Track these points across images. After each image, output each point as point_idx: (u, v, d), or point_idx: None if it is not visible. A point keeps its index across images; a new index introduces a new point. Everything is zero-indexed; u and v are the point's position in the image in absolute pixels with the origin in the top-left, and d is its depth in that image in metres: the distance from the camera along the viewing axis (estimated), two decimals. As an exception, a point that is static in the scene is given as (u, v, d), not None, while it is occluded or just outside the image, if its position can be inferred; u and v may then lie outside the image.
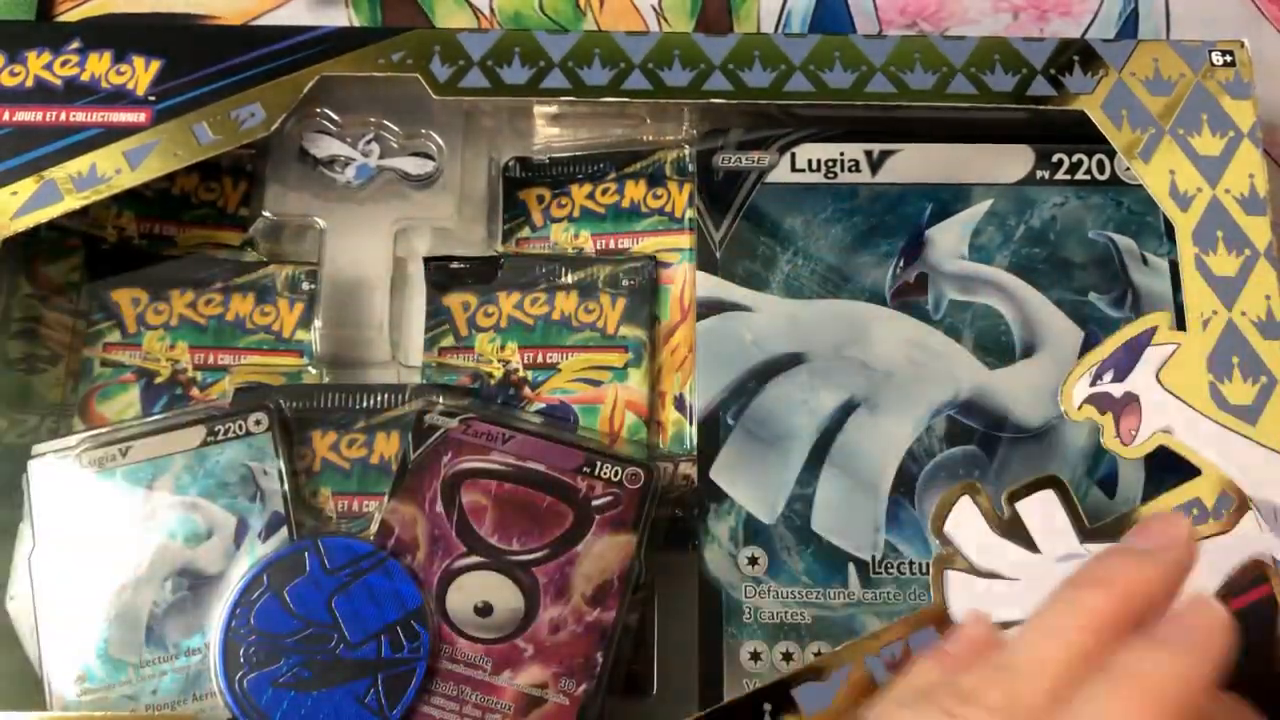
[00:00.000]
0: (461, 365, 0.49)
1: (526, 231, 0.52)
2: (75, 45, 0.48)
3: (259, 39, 0.48)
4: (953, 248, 0.49)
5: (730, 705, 0.40)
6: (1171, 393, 0.44)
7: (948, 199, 0.49)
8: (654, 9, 0.57)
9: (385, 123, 0.50)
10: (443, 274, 0.50)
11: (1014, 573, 0.42)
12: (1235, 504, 0.42)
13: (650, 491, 0.45)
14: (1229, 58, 0.48)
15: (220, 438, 0.45)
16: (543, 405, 0.48)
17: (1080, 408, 0.45)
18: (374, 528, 0.44)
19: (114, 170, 0.46)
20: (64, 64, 0.48)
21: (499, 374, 0.48)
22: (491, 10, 0.57)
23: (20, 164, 0.46)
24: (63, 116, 0.47)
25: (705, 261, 0.49)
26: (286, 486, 0.45)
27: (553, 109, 0.51)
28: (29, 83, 0.47)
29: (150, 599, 0.43)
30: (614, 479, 0.45)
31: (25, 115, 0.47)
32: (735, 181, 0.50)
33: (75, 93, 0.47)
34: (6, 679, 0.43)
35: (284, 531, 0.44)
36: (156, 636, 0.43)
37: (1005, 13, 0.57)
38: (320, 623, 0.42)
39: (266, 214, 0.49)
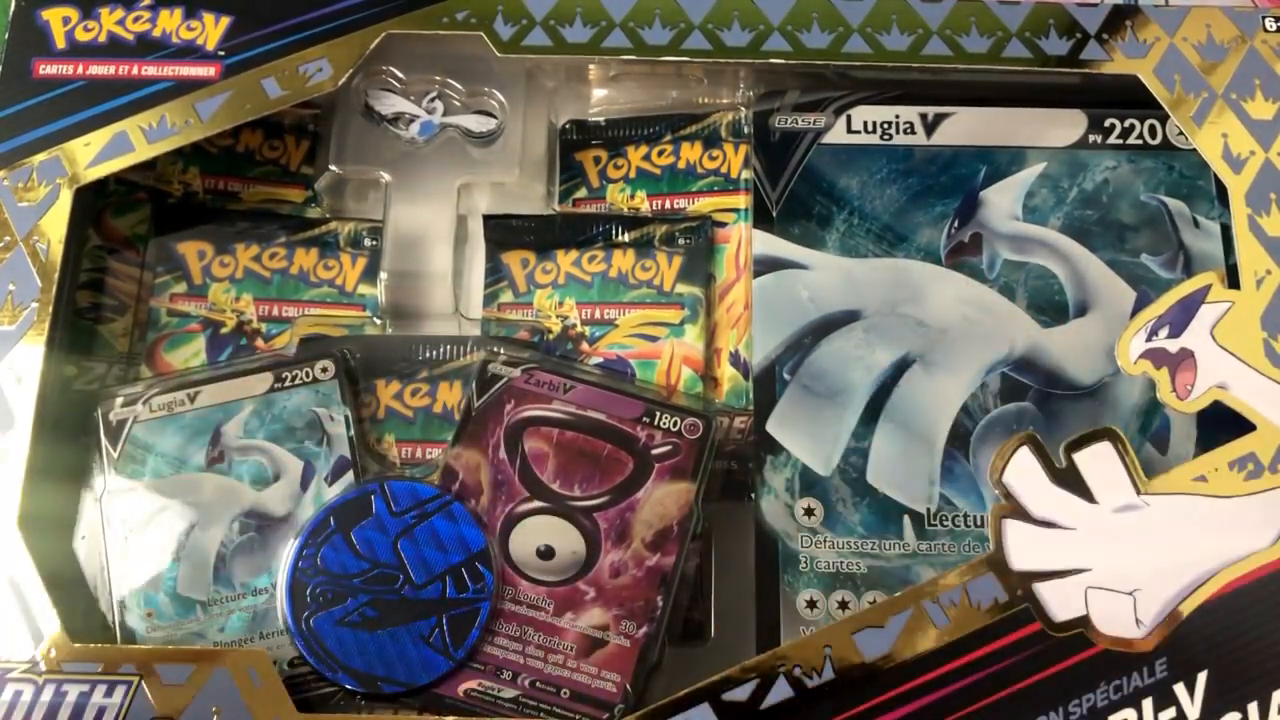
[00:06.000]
0: (520, 321, 0.49)
1: (583, 192, 0.52)
2: (147, 2, 0.49)
3: (326, -4, 0.49)
4: (1007, 209, 0.49)
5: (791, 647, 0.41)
6: (1226, 349, 0.45)
7: (1001, 162, 0.50)
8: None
9: (449, 81, 0.51)
10: (502, 231, 0.50)
11: (1071, 522, 0.42)
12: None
13: (709, 441, 0.45)
14: (1281, 23, 0.49)
15: (288, 384, 0.46)
16: (600, 360, 0.49)
17: (1136, 362, 0.45)
18: (438, 473, 0.45)
19: (184, 122, 0.47)
20: (136, 20, 0.49)
21: (557, 329, 0.49)
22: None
23: (93, 115, 0.47)
24: (135, 70, 0.48)
25: (762, 220, 0.49)
26: (353, 432, 0.45)
27: (610, 72, 0.52)
28: (102, 38, 0.49)
29: (218, 539, 0.44)
30: (673, 429, 0.45)
31: (99, 69, 0.48)
32: (791, 142, 0.50)
33: (147, 47, 0.48)
34: (76, 615, 0.44)
35: (349, 476, 0.45)
36: (224, 576, 0.44)
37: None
38: (386, 564, 0.43)
39: (333, 168, 0.50)
